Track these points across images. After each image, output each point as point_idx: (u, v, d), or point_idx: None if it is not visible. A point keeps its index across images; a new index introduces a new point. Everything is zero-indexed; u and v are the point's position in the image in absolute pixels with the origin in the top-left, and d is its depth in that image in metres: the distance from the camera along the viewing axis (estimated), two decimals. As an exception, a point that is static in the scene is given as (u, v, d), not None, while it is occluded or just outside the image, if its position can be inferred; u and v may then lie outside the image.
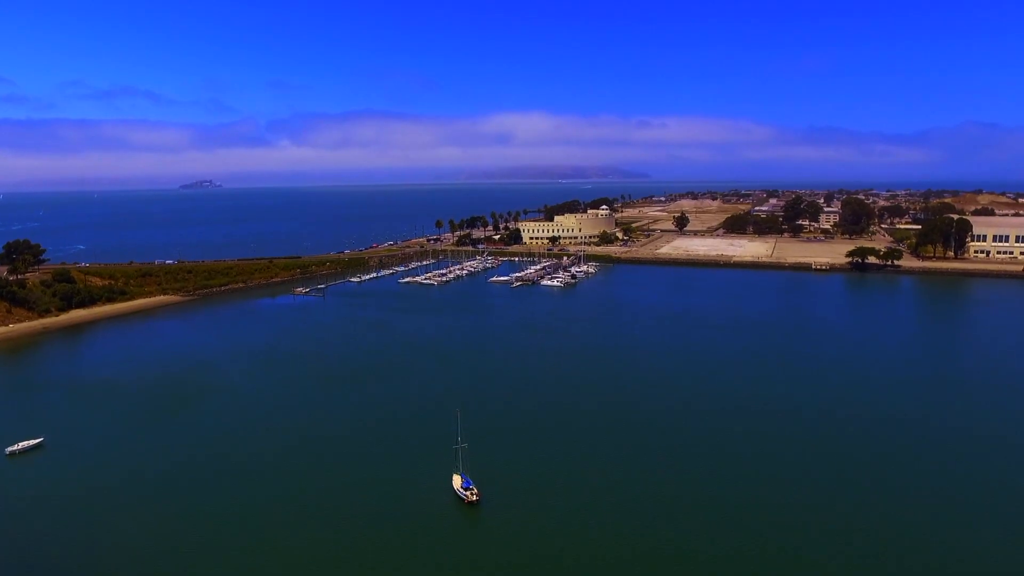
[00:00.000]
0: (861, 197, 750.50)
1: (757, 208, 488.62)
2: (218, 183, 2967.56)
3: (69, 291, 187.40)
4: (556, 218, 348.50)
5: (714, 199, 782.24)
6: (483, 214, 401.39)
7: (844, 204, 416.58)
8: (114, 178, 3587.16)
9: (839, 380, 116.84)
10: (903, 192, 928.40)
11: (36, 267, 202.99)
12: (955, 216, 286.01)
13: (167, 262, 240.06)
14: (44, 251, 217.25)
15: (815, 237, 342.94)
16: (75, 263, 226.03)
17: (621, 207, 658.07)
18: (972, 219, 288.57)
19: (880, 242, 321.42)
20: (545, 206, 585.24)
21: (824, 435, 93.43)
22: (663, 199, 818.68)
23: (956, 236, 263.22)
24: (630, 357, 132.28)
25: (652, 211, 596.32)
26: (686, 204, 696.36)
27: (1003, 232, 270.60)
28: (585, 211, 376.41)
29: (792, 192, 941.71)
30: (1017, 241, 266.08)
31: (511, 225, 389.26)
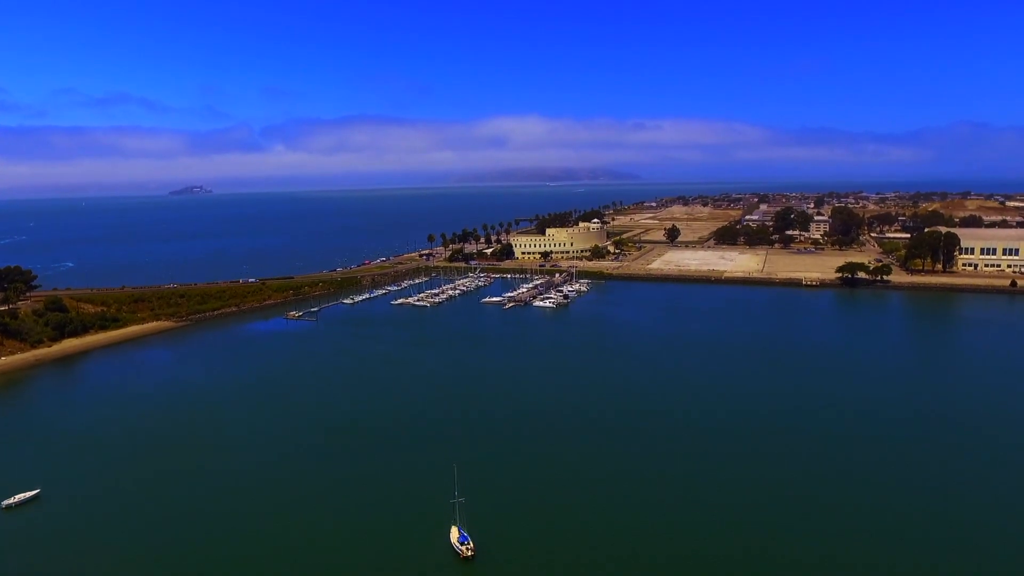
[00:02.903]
0: (851, 201, 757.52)
1: (748, 217, 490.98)
2: (208, 189, 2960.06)
3: (62, 320, 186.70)
4: (548, 231, 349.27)
5: (705, 205, 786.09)
6: (475, 221, 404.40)
7: (834, 213, 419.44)
8: (105, 184, 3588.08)
9: (830, 404, 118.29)
10: (892, 194, 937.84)
11: (27, 295, 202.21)
12: (943, 230, 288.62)
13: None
14: (35, 277, 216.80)
15: (805, 248, 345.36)
16: (67, 288, 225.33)
17: (613, 214, 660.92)
18: (959, 232, 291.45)
19: (870, 253, 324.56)
20: (536, 216, 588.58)
21: (821, 468, 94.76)
22: (654, 204, 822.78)
23: (944, 250, 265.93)
24: (627, 395, 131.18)
25: (643, 219, 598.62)
26: (677, 211, 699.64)
27: (990, 245, 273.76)
28: (577, 224, 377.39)
29: (782, 195, 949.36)
30: (1004, 254, 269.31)
31: (503, 238, 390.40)
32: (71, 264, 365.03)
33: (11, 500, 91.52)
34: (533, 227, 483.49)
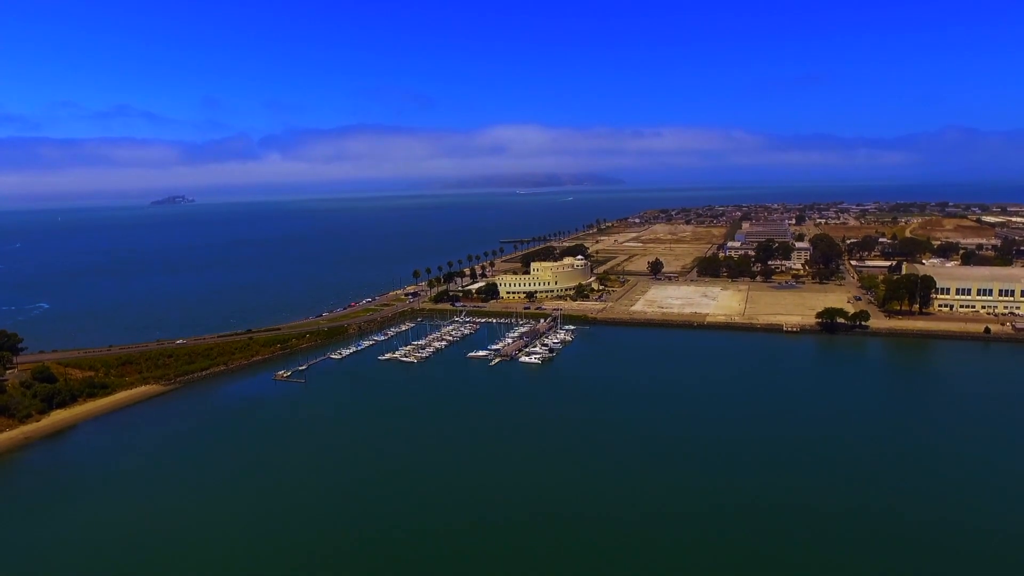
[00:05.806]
0: (832, 215, 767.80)
1: (730, 244, 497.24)
2: (190, 199, 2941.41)
3: (50, 392, 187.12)
4: (533, 266, 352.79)
5: (688, 222, 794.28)
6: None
7: (814, 242, 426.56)
8: (91, 193, 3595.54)
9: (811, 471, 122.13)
10: (872, 205, 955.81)
11: (14, 364, 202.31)
12: (920, 271, 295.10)
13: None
14: (21, 340, 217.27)
15: (786, 282, 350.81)
16: (53, 350, 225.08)
17: (596, 234, 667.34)
18: (935, 272, 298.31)
19: (849, 287, 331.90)
20: (521, 240, 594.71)
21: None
22: (638, 221, 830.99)
23: (921, 292, 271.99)
24: (618, 489, 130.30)
25: (627, 240, 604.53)
26: (660, 230, 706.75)
27: (965, 285, 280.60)
28: (561, 258, 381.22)
29: (764, 208, 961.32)
30: (978, 294, 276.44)
31: (488, 271, 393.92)
32: (46, 305, 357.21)
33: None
34: (518, 254, 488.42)
